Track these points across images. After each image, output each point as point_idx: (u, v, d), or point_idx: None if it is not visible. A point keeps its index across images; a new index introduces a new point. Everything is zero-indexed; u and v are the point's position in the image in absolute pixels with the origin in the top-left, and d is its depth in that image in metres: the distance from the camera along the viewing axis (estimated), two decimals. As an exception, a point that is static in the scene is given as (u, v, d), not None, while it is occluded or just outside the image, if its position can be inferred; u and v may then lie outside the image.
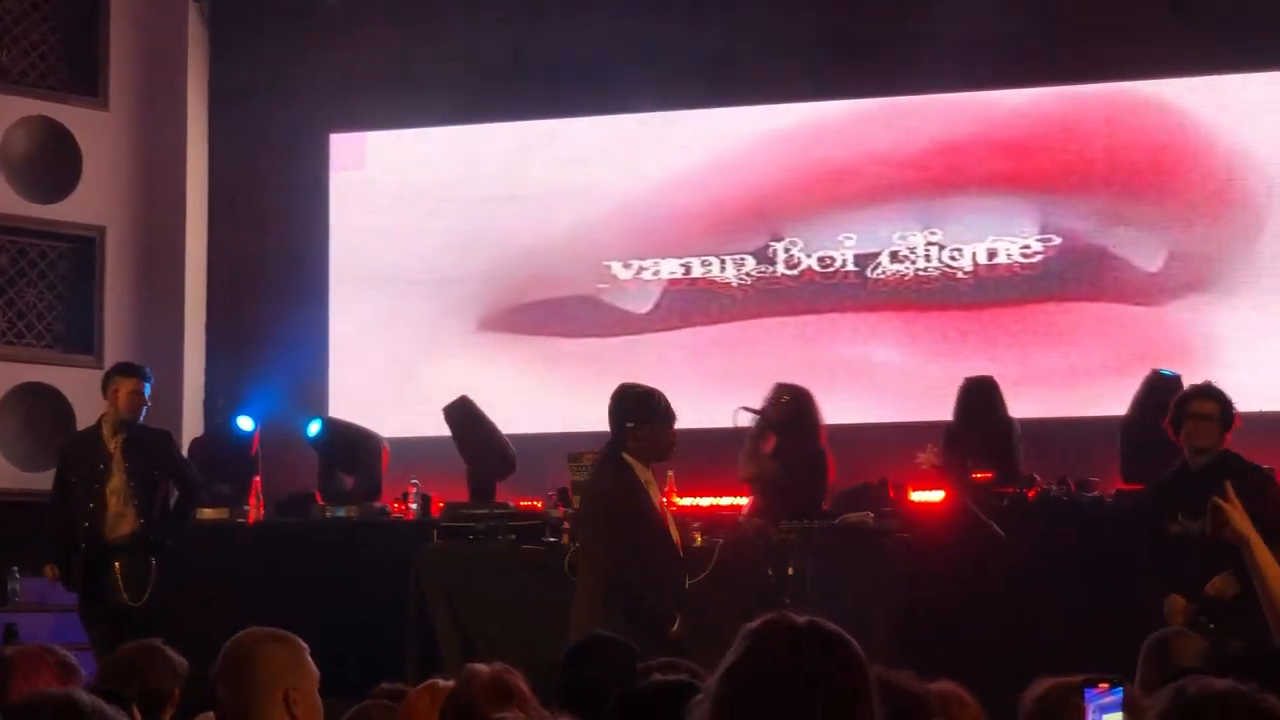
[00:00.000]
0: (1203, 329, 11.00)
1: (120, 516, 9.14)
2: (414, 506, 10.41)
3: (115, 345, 11.68)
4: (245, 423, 11.04)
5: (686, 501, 9.91)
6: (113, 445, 9.20)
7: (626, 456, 7.35)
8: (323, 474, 10.74)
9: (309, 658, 4.21)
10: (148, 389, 9.28)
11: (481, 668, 4.11)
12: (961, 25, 11.09)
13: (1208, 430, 7.81)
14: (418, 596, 9.18)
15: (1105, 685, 3.59)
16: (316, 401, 11.80)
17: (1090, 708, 3.55)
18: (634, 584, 7.14)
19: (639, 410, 7.37)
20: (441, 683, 4.22)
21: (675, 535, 7.46)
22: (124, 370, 9.40)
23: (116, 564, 9.05)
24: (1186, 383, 9.50)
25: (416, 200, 12.15)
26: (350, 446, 10.77)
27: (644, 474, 7.35)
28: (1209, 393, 7.95)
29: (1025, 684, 3.84)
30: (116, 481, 9.16)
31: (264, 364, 11.84)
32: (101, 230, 11.98)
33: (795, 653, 2.63)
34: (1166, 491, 7.97)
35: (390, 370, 12.04)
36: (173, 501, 9.46)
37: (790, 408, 9.00)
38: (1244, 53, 10.93)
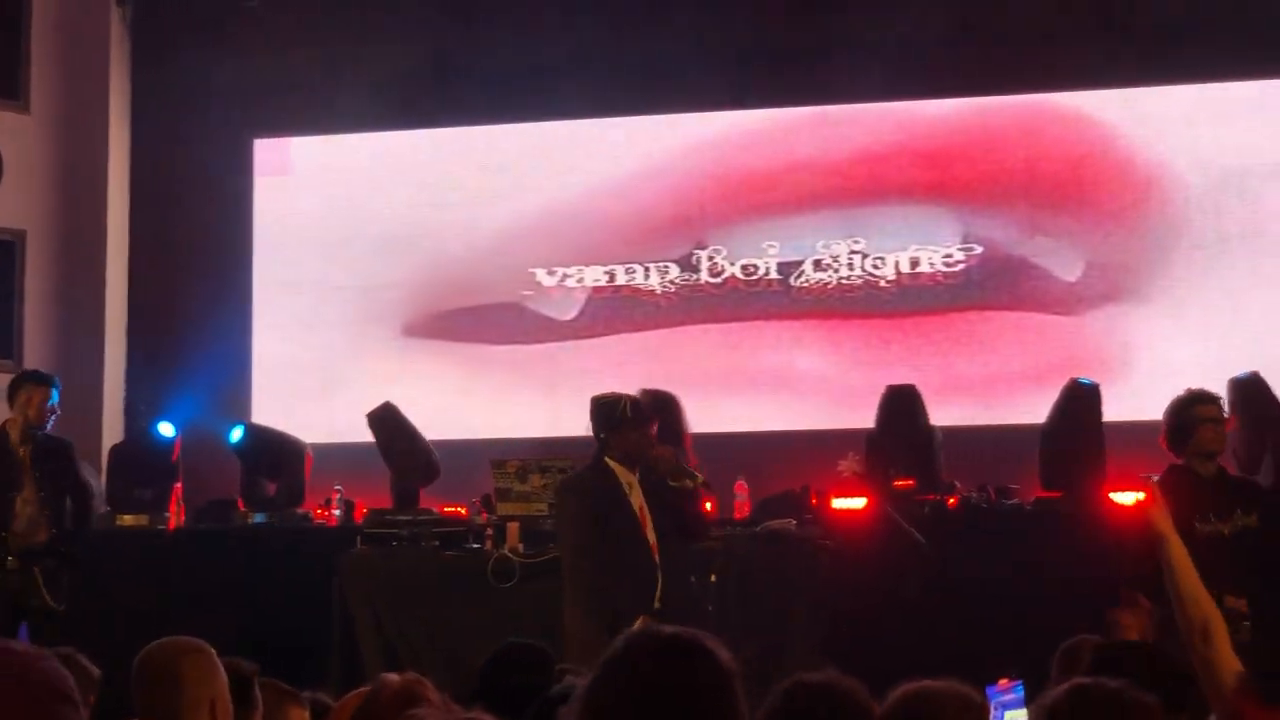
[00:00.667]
0: (1120, 338, 11.13)
1: (35, 524, 9.06)
2: (337, 513, 10.38)
3: (35, 350, 11.59)
4: (166, 429, 10.96)
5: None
6: (22, 453, 9.11)
7: (608, 461, 7.50)
8: (245, 480, 10.67)
9: (218, 661, 4.22)
10: (56, 396, 9.20)
11: (392, 677, 4.13)
12: (885, 36, 11.20)
13: (1220, 433, 7.80)
14: (341, 603, 9.14)
15: (1006, 682, 3.67)
16: (239, 407, 11.74)
17: (993, 705, 3.63)
18: (592, 581, 7.29)
19: (605, 420, 7.52)
20: (364, 690, 4.23)
21: (652, 539, 7.49)
22: (36, 379, 9.30)
23: (36, 569, 8.97)
24: (1105, 391, 9.66)
25: (341, 206, 12.12)
26: (272, 452, 10.71)
27: (626, 477, 7.47)
28: (1212, 397, 7.93)
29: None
30: (29, 491, 9.08)
31: (186, 369, 11.77)
32: (21, 234, 11.89)
33: (658, 664, 2.69)
34: (1184, 496, 7.94)
35: (314, 376, 12.00)
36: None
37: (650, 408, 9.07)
38: (1163, 66, 11.08)
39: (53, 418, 9.18)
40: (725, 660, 2.72)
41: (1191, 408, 7.84)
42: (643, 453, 7.51)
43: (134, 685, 4.17)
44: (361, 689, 4.32)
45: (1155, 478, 7.95)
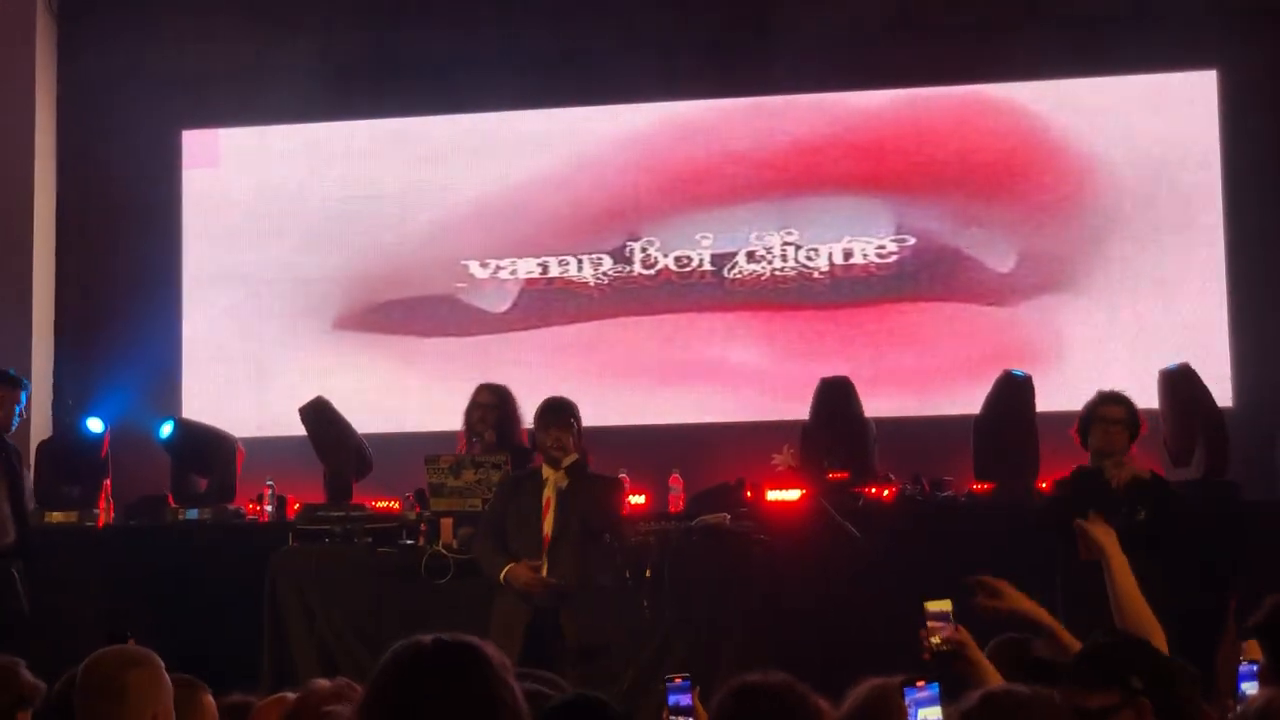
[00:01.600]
0: (1052, 329, 11.18)
1: (5, 525, 9.01)
2: (269, 508, 10.29)
3: (-39, 346, 11.42)
4: (95, 424, 10.82)
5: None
6: None
7: (538, 456, 8.37)
8: (175, 476, 10.57)
9: (165, 673, 4.16)
10: (25, 399, 9.19)
11: (323, 682, 4.10)
12: (819, 28, 11.20)
13: (1116, 435, 7.85)
14: (272, 600, 9.06)
15: (922, 682, 3.73)
16: (168, 402, 11.63)
17: (909, 704, 3.68)
18: (480, 546, 8.27)
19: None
20: (290, 695, 4.19)
21: (546, 529, 8.05)
22: (9, 381, 9.27)
23: (14, 570, 8.91)
24: (1037, 382, 9.70)
25: (272, 198, 12.02)
26: (203, 447, 10.61)
27: (548, 473, 8.17)
28: (1117, 398, 7.97)
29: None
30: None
31: (115, 364, 11.65)
32: (-54, 228, 11.72)
33: (424, 673, 2.77)
34: (1084, 497, 7.99)
35: (245, 370, 11.91)
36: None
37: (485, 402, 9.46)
38: (1095, 57, 11.12)
39: (15, 421, 9.16)
40: (495, 661, 2.77)
41: (1096, 407, 7.95)
42: (545, 450, 8.16)
43: (77, 695, 4.10)
44: (282, 694, 4.27)
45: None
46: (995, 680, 4.20)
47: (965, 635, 4.37)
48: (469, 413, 9.37)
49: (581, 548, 8.00)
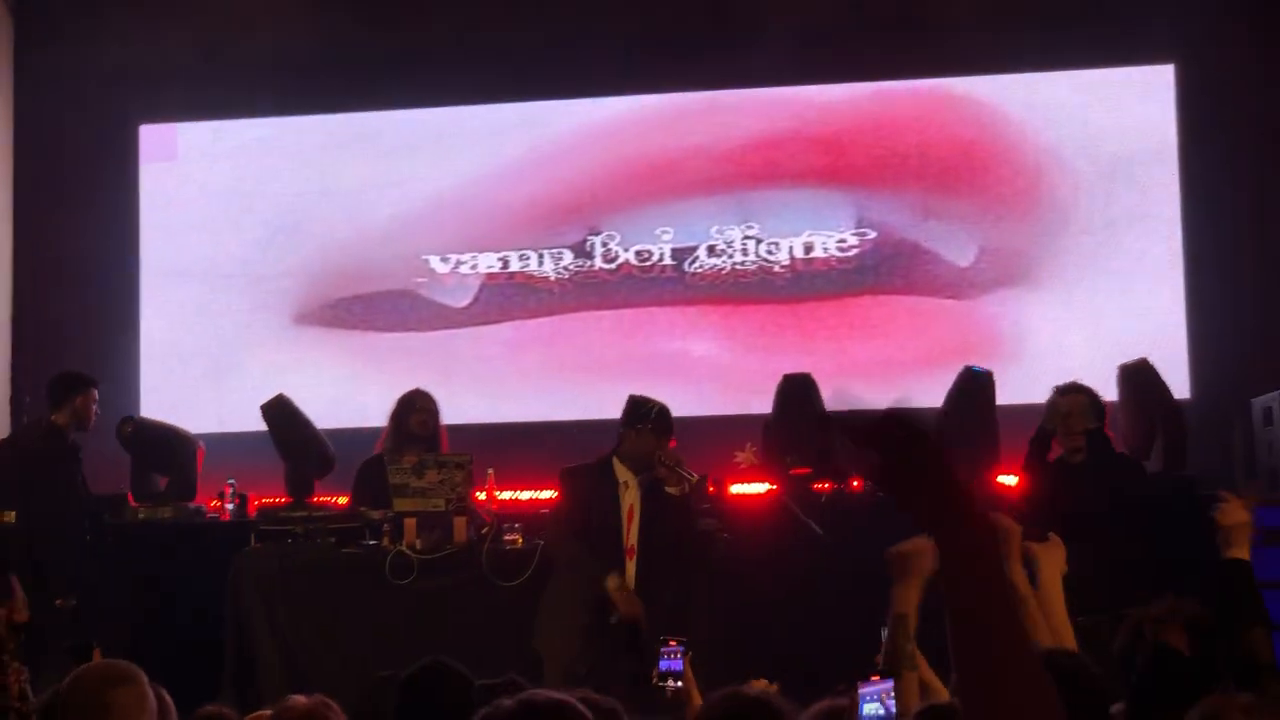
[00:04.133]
0: (1012, 322, 11.23)
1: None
2: (230, 507, 10.24)
3: (-84, 343, 11.35)
4: (54, 422, 10.76)
5: (506, 495, 9.90)
6: None
7: (615, 458, 7.97)
8: (135, 474, 10.51)
9: (149, 688, 4.17)
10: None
11: (300, 700, 4.10)
12: (779, 22, 11.20)
13: (1076, 425, 7.95)
14: (235, 601, 9.02)
15: (876, 677, 3.86)
16: (128, 400, 11.56)
17: (860, 697, 3.81)
18: (569, 556, 7.96)
19: (628, 416, 7.99)
20: (267, 713, 4.18)
21: (631, 541, 7.85)
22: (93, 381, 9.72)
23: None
24: (997, 375, 9.74)
25: (230, 193, 11.96)
26: (163, 446, 10.54)
27: (623, 474, 7.90)
28: (1075, 389, 8.07)
29: (847, 681, 3.96)
30: None
31: (72, 360, 11.53)
32: (-100, 224, 11.63)
33: None
34: (1042, 482, 8.10)
35: (204, 366, 11.86)
36: None
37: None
38: (1054, 51, 11.17)
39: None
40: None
41: (1056, 396, 8.06)
42: (649, 459, 7.85)
43: (60, 711, 4.11)
44: (260, 713, 4.27)
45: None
46: (935, 690, 4.30)
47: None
48: (407, 415, 9.32)
49: (661, 561, 7.86)
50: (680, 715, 4.88)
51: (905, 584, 4.58)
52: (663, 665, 4.37)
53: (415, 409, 9.41)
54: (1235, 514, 4.76)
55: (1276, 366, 10.71)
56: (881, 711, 3.88)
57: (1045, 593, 4.59)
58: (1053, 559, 4.70)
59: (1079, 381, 8.37)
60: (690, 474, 7.96)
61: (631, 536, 7.85)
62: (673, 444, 8.19)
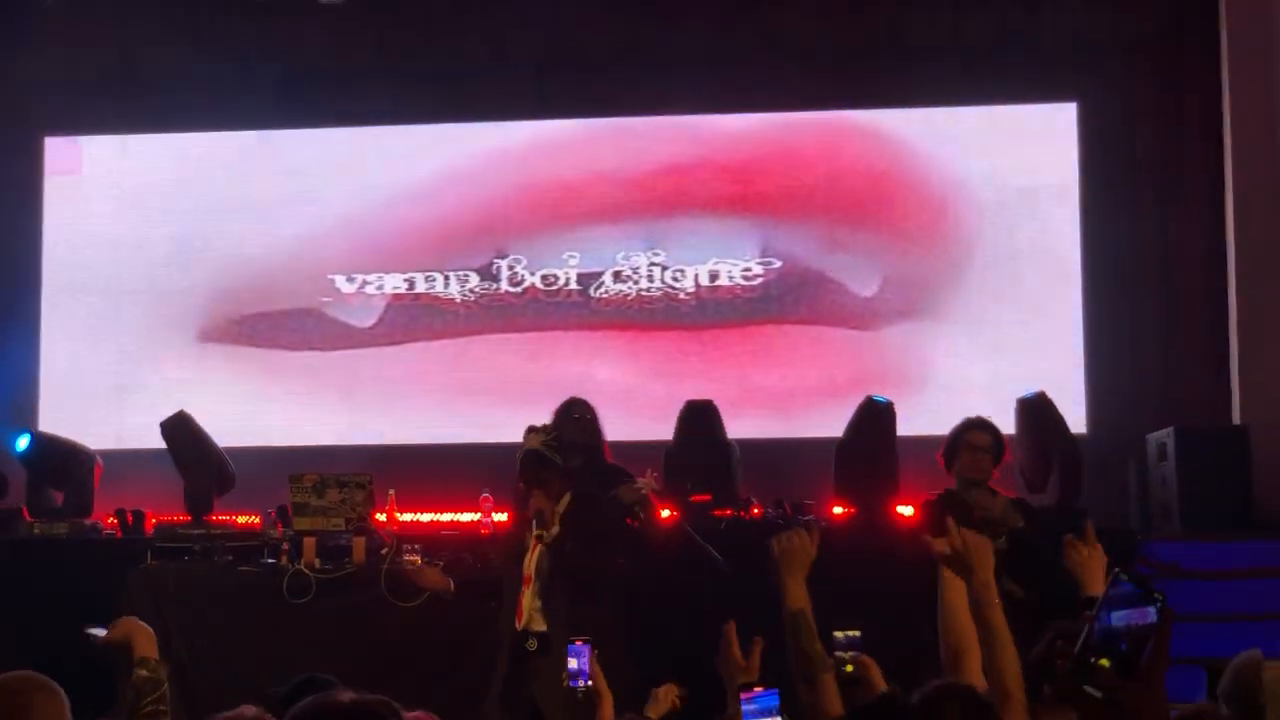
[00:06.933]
0: (915, 353, 11.33)
1: None
2: (127, 524, 10.14)
3: None
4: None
5: (407, 518, 9.86)
6: None
7: None
8: (30, 490, 10.40)
9: (64, 698, 4.13)
10: None
11: (249, 709, 4.06)
12: (690, 50, 11.29)
13: (982, 462, 7.87)
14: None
15: (760, 688, 3.94)
16: (25, 414, 11.44)
17: (744, 709, 3.88)
18: None
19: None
20: None
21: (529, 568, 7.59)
22: None
23: None
24: (899, 406, 9.81)
25: (135, 208, 11.87)
26: (60, 461, 10.44)
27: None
28: (985, 425, 8.00)
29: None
30: None
31: (-30, 374, 11.45)
32: None
33: None
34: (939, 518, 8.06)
35: (105, 382, 11.75)
36: None
37: None
38: (961, 87, 11.30)
39: None
40: None
41: (963, 433, 7.97)
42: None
43: None
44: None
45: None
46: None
47: (870, 661, 4.50)
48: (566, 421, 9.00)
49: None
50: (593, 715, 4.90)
51: (794, 578, 4.53)
52: (570, 667, 4.39)
53: (572, 417, 9.11)
54: (1079, 554, 4.79)
55: (1171, 403, 10.88)
56: None
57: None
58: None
59: (984, 417, 8.33)
60: (638, 515, 7.89)
61: (530, 566, 7.73)
62: (650, 474, 8.17)
